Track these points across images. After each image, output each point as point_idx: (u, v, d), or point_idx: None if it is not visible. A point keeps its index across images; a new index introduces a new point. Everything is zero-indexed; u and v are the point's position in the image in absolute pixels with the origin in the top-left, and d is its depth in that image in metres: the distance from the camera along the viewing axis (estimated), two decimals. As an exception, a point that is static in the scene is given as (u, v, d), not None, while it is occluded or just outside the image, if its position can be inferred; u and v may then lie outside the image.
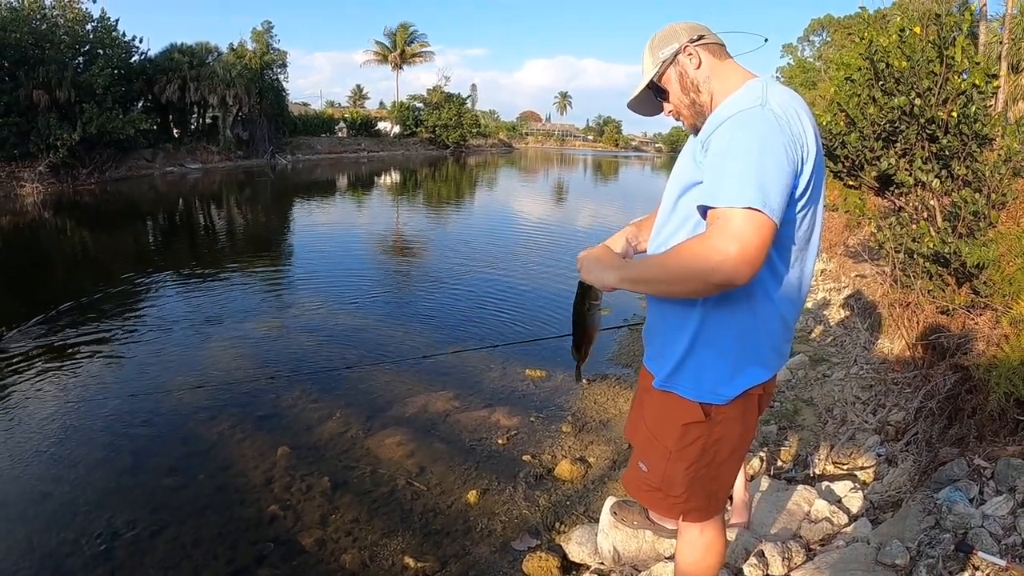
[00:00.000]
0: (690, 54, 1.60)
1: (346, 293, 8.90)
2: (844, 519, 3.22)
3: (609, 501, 3.30)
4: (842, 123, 4.53)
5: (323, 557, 3.45)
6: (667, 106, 1.69)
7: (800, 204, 1.46)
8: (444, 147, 52.31)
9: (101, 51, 24.90)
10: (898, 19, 4.06)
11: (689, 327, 1.61)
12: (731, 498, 3.10)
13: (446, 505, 3.93)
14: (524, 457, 4.50)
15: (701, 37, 1.60)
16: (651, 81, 1.65)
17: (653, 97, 1.71)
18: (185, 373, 5.87)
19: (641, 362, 1.87)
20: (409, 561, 3.42)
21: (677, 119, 1.69)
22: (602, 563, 3.24)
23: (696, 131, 1.65)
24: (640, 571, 3.03)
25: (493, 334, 7.24)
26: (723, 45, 1.64)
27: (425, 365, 6.23)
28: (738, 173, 1.34)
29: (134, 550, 3.46)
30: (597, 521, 3.42)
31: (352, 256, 11.96)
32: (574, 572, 3.33)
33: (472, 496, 4.00)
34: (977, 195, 3.37)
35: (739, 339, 1.58)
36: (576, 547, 3.41)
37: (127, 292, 8.97)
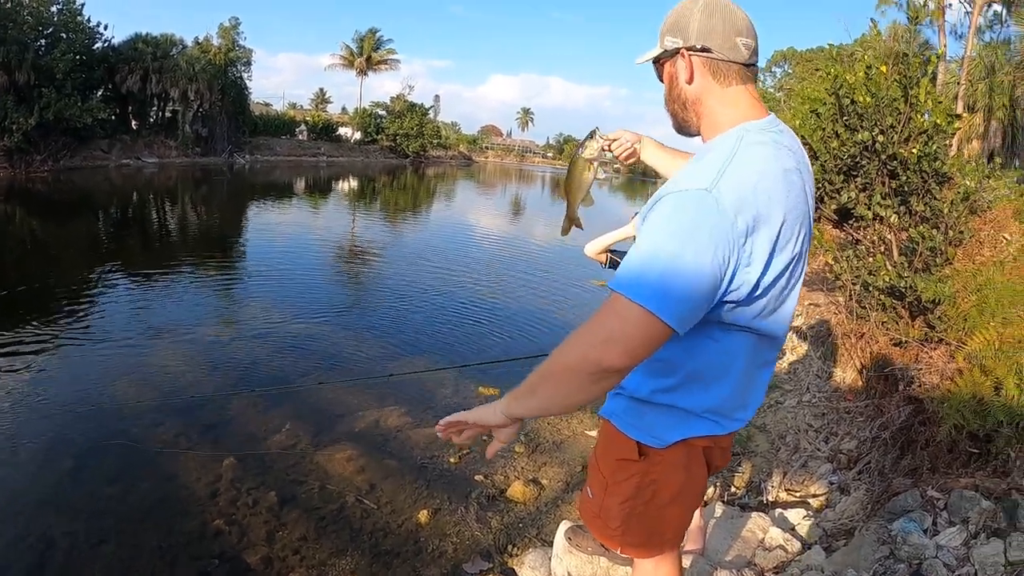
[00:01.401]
0: (685, 64, 1.40)
1: (299, 301, 8.67)
2: (798, 546, 3.23)
3: (563, 525, 3.23)
4: (804, 155, 4.62)
5: (269, 576, 3.30)
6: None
7: (747, 290, 1.28)
8: (404, 156, 52.06)
9: (65, 35, 24.07)
10: (865, 57, 4.19)
11: (644, 369, 1.48)
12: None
13: (396, 524, 3.80)
14: (476, 477, 4.40)
15: (707, 49, 1.36)
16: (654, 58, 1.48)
17: None
18: (130, 376, 5.60)
19: None
20: (358, 582, 3.30)
21: None
22: (556, 588, 3.16)
23: (679, 133, 1.53)
24: (595, 598, 2.96)
25: (447, 349, 7.14)
26: (743, 64, 1.38)
27: (377, 379, 6.08)
28: (646, 263, 1.19)
29: (71, 561, 3.27)
30: (551, 545, 3.35)
31: (307, 263, 11.70)
32: (527, 597, 3.24)
33: (423, 516, 3.88)
34: (935, 231, 3.47)
35: (682, 396, 1.47)
36: (529, 571, 3.33)
37: (73, 288, 8.57)
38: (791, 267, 1.35)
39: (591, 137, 1.89)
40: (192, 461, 4.33)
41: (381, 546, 3.59)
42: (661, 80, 1.50)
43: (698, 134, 1.47)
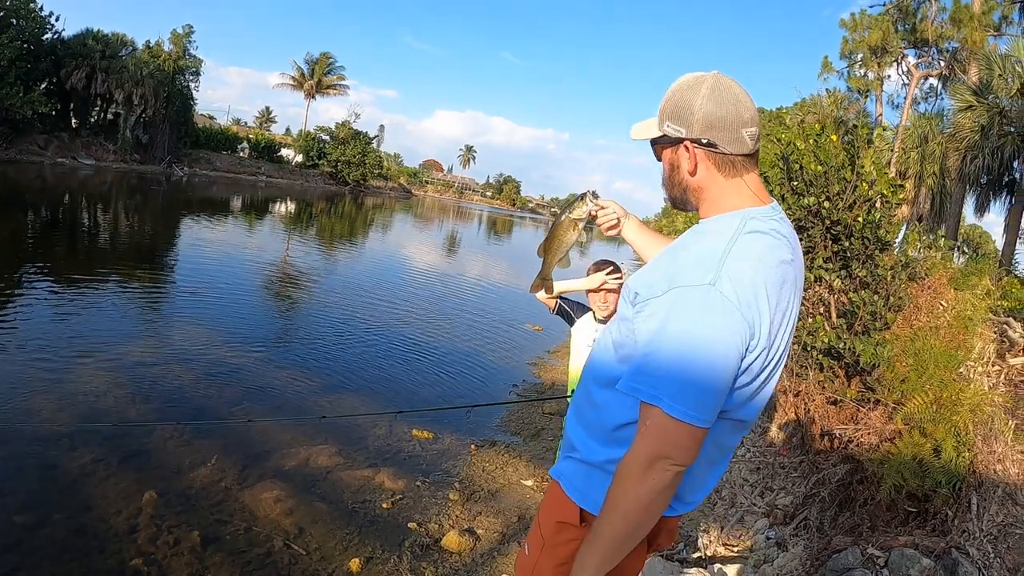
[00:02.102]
0: (688, 155, 1.37)
1: (231, 326, 8.25)
2: (739, 604, 3.23)
3: (502, 579, 3.13)
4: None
5: (190, 624, 3.05)
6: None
7: (738, 386, 1.30)
8: (344, 184, 51.49)
9: (15, 21, 22.85)
10: (815, 125, 4.40)
11: (602, 438, 1.47)
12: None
13: (326, 573, 3.58)
14: (410, 524, 4.23)
15: (712, 144, 1.32)
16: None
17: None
18: (45, 395, 5.16)
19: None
20: (284, 637, 3.07)
21: None
22: (494, 645, 3.03)
23: (677, 210, 1.54)
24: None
25: (380, 387, 6.93)
26: (747, 156, 1.35)
27: (308, 414, 5.83)
28: (667, 372, 1.21)
29: None
30: (489, 599, 3.22)
31: (240, 287, 11.17)
32: (464, 654, 3.10)
33: (355, 564, 3.67)
34: (875, 296, 3.62)
35: None
36: (467, 626, 3.19)
37: None
38: (779, 357, 1.36)
39: (582, 199, 1.85)
40: (111, 491, 4.00)
41: (311, 597, 3.37)
42: (658, 157, 1.48)
43: (696, 210, 1.45)
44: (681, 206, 1.46)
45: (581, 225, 1.87)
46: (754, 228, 1.31)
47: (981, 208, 19.79)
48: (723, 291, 1.20)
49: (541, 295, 3.38)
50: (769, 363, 1.32)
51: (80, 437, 4.58)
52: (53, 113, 27.85)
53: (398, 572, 3.71)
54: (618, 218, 1.87)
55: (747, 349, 1.24)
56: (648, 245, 1.90)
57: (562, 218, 1.87)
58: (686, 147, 1.35)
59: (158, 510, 3.88)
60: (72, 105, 30.39)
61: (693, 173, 1.36)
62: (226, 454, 4.71)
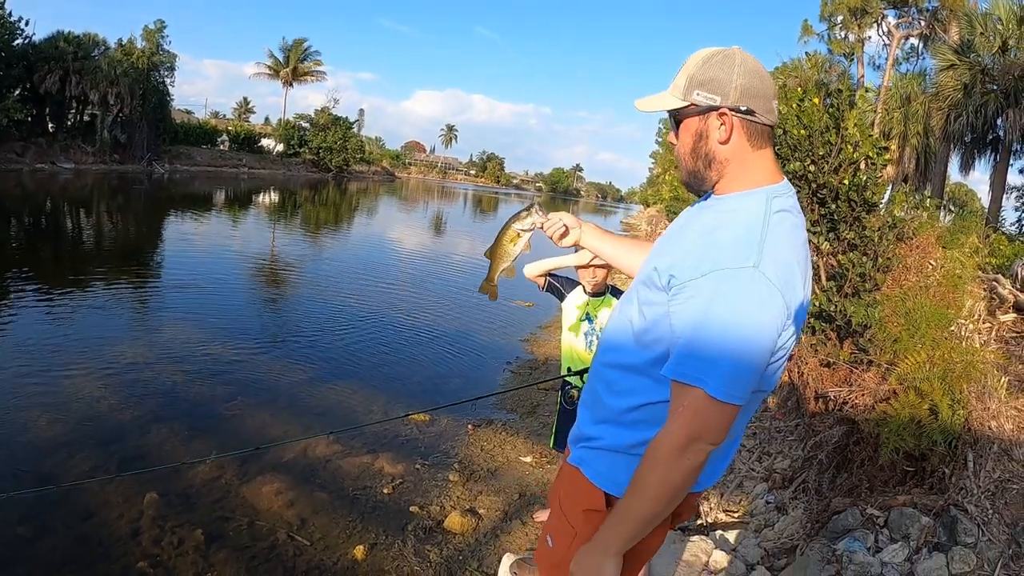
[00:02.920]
0: (722, 123, 1.35)
1: (220, 321, 8.18)
2: (742, 568, 3.26)
3: (506, 558, 3.15)
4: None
5: (199, 622, 3.05)
6: (673, 137, 1.48)
7: (775, 357, 1.33)
8: (327, 170, 51.05)
9: None
10: (798, 90, 4.37)
11: (624, 423, 1.48)
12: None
13: (332, 562, 3.59)
14: (412, 508, 4.23)
15: (751, 112, 1.33)
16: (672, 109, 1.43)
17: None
18: (39, 403, 5.09)
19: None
20: (294, 626, 3.08)
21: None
22: (501, 623, 3.06)
23: (687, 186, 1.51)
24: (543, 631, 2.87)
25: (369, 371, 6.92)
26: (772, 128, 1.39)
27: (304, 404, 5.81)
28: (714, 355, 1.22)
29: None
30: (493, 577, 3.24)
31: (229, 281, 11.07)
32: (471, 633, 3.12)
33: (359, 551, 3.68)
34: (864, 258, 3.63)
35: None
36: (473, 606, 3.21)
37: None
38: (799, 329, 1.39)
39: (527, 210, 1.89)
40: (111, 497, 3.97)
41: (317, 585, 3.38)
42: (675, 130, 1.45)
43: (708, 191, 1.45)
44: (696, 182, 1.44)
45: (526, 237, 1.90)
46: (780, 207, 1.33)
47: (966, 166, 19.90)
48: (766, 273, 1.22)
49: (531, 273, 3.38)
50: (792, 337, 1.34)
51: (75, 444, 4.55)
52: (29, 119, 27.43)
53: (403, 556, 3.72)
54: (566, 227, 1.85)
55: (783, 330, 1.27)
56: (616, 248, 1.90)
57: (507, 227, 1.90)
58: (721, 115, 1.34)
59: (160, 511, 3.86)
60: (47, 109, 29.85)
61: (725, 142, 1.36)
62: (225, 450, 4.69)
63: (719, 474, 1.58)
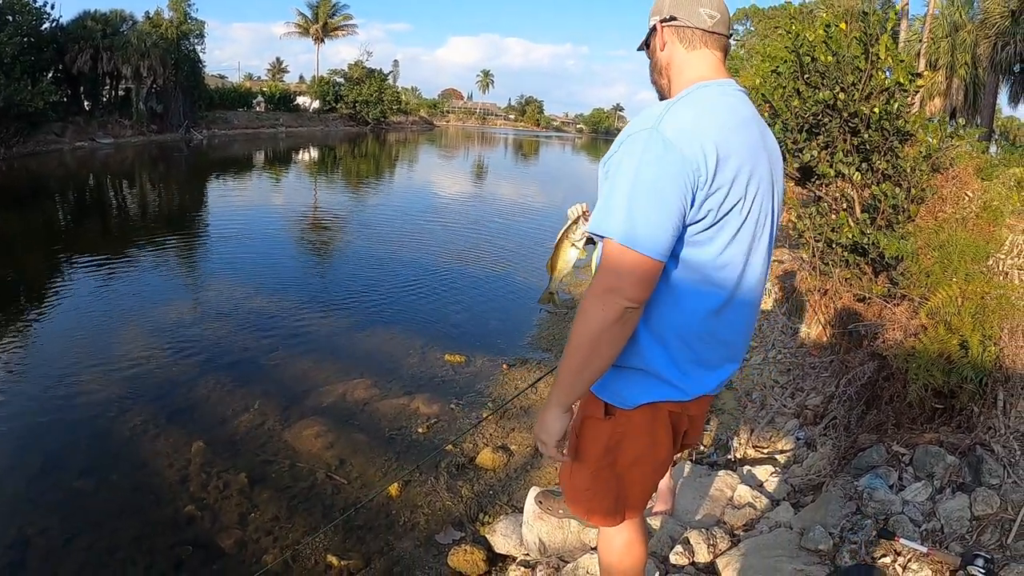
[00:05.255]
0: (658, 34, 1.54)
1: (263, 277, 8.44)
2: (766, 503, 3.27)
3: (533, 491, 3.23)
4: (766, 114, 4.60)
5: (244, 559, 3.26)
6: None
7: (699, 228, 1.38)
8: (364, 124, 50.88)
9: (11, 17, 22.62)
10: (824, 15, 4.13)
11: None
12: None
13: (367, 499, 3.76)
14: (446, 447, 4.37)
15: (673, 18, 1.52)
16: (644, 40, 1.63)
17: None
18: (95, 366, 5.39)
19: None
20: (332, 560, 3.27)
21: None
22: (528, 554, 3.17)
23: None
24: (567, 562, 2.96)
25: (426, 323, 7.03)
26: (706, 31, 1.50)
27: (343, 351, 5.99)
28: (613, 204, 1.34)
29: (47, 561, 3.20)
30: (521, 511, 3.34)
31: (269, 238, 11.37)
32: (500, 564, 3.25)
33: (394, 489, 3.85)
34: (897, 189, 3.47)
35: (640, 355, 1.49)
36: (501, 539, 3.32)
37: (32, 277, 8.22)
38: (752, 209, 1.44)
39: (576, 222, 1.99)
40: (161, 447, 4.22)
41: (353, 521, 3.55)
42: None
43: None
44: (660, 93, 1.60)
45: (580, 244, 2.01)
46: (702, 87, 1.45)
47: (1015, 98, 18.66)
48: (663, 132, 1.32)
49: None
50: (733, 208, 1.39)
51: (128, 399, 4.83)
52: (64, 99, 27.73)
53: (435, 492, 3.87)
54: None
55: (695, 187, 1.33)
56: None
57: (563, 239, 2.03)
58: (657, 27, 1.54)
59: (206, 458, 4.10)
60: (82, 88, 30.02)
61: (662, 49, 1.55)
62: (266, 398, 4.92)
63: (724, 376, 1.61)
